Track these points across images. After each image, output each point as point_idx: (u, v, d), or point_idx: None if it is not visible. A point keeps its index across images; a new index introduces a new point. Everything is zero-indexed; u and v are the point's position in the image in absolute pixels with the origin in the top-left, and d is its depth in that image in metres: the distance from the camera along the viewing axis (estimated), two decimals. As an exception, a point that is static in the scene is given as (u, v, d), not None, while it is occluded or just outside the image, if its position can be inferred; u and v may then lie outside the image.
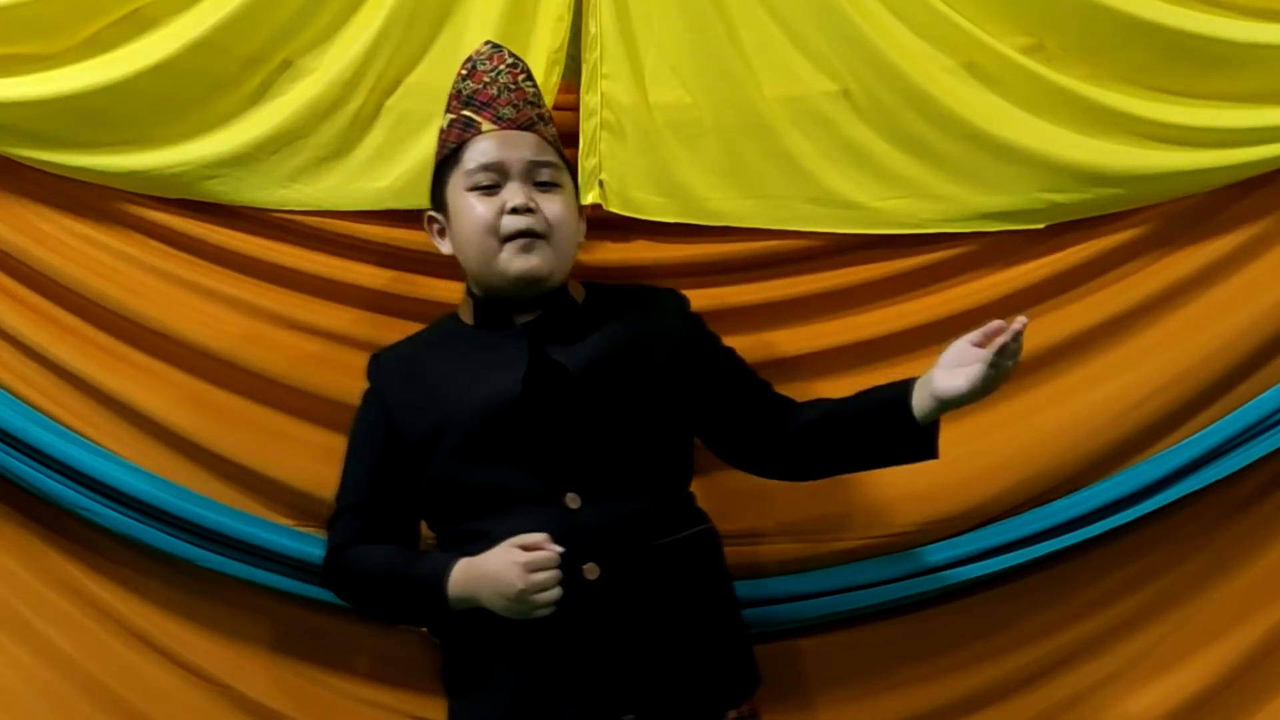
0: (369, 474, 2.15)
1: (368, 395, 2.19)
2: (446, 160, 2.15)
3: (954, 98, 2.34)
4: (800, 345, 2.39)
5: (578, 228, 2.17)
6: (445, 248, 2.18)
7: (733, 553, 2.18)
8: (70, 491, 2.34)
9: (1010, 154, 2.34)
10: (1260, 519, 2.40)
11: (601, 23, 2.35)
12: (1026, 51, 2.35)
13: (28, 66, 2.33)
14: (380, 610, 2.21)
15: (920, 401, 2.03)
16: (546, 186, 2.12)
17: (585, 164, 2.33)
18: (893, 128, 2.35)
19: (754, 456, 2.20)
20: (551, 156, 2.14)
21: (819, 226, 2.39)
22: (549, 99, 2.29)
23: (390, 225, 2.39)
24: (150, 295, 2.39)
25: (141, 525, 2.34)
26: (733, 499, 2.29)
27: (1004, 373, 1.97)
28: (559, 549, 1.95)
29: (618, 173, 2.34)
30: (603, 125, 2.34)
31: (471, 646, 2.06)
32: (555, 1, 2.35)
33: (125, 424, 2.38)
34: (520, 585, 1.94)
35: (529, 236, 2.08)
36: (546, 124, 2.17)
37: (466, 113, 2.13)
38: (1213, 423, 2.36)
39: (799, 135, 2.36)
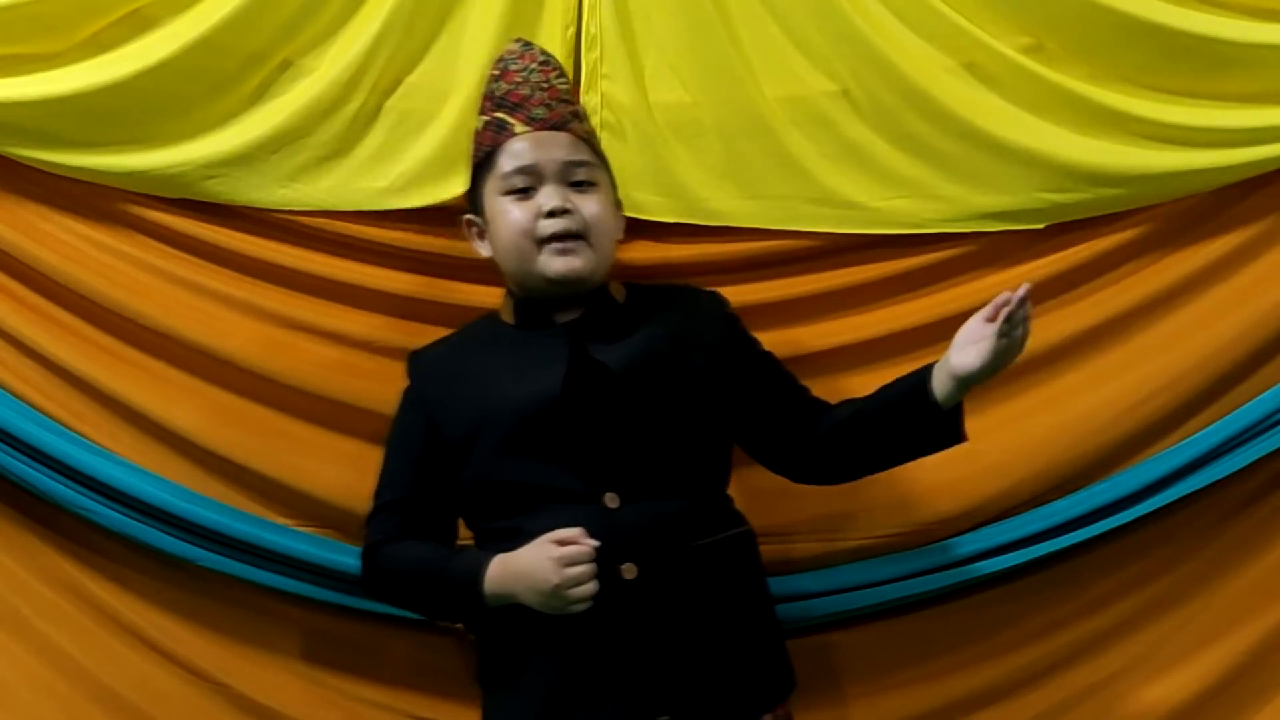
0: (408, 471, 2.15)
1: (407, 393, 2.18)
2: (481, 164, 2.14)
3: (954, 98, 2.34)
4: (801, 345, 2.38)
5: (616, 224, 2.17)
6: (484, 251, 2.18)
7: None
8: (69, 491, 2.34)
9: (1010, 154, 2.34)
10: (1260, 519, 2.41)
11: (601, 23, 2.35)
12: (1027, 51, 2.35)
13: (28, 66, 2.33)
14: (417, 607, 2.21)
15: (940, 384, 2.03)
16: (582, 186, 2.11)
17: (585, 164, 2.33)
18: (893, 128, 2.35)
19: (789, 459, 2.20)
20: (586, 155, 2.13)
21: (819, 226, 2.39)
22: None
23: (391, 226, 2.39)
24: (150, 295, 2.39)
25: (141, 525, 2.34)
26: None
27: (1016, 342, 1.98)
28: (594, 543, 1.95)
29: (618, 173, 2.33)
30: (603, 125, 2.34)
31: (508, 643, 2.06)
32: (557, 3, 2.35)
33: (124, 424, 2.38)
34: (555, 580, 1.94)
35: (567, 239, 2.08)
36: (581, 121, 2.16)
37: (499, 114, 2.13)
38: (1213, 423, 2.36)
39: (799, 135, 2.36)
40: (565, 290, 2.10)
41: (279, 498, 2.38)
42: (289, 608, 2.39)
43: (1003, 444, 2.36)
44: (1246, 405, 2.36)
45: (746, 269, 2.41)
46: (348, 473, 2.35)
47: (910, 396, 2.06)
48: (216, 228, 2.40)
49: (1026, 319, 1.98)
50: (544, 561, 1.96)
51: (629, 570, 2.00)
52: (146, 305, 2.38)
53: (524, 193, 2.10)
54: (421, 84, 2.37)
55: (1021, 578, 2.39)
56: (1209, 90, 2.34)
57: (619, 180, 2.24)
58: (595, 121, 2.33)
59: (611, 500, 2.03)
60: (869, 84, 2.34)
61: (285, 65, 2.37)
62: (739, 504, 2.17)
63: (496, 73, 2.16)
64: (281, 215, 2.39)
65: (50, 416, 2.36)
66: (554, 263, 2.08)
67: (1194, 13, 2.31)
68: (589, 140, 2.16)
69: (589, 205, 2.10)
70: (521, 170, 2.10)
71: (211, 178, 2.36)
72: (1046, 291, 2.40)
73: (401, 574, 2.12)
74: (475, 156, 2.16)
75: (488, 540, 2.10)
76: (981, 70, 2.35)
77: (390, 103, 2.37)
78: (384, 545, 2.13)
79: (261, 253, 2.40)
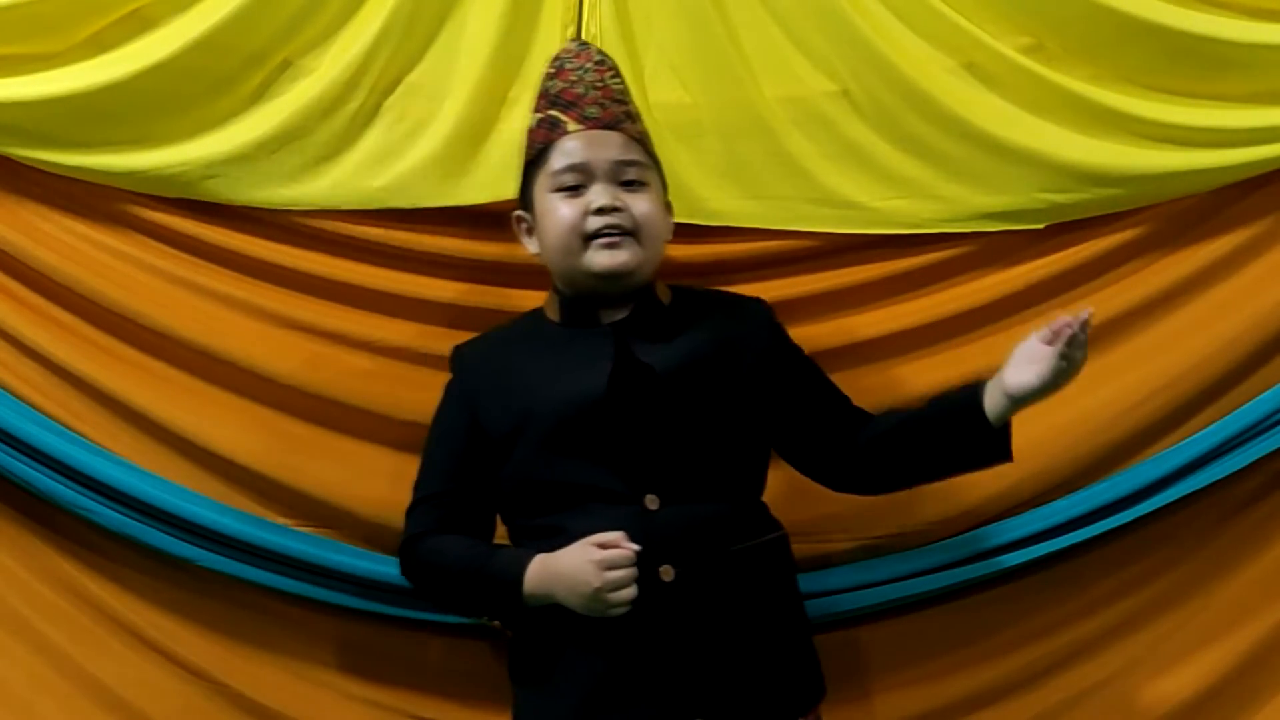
0: (449, 465, 2.14)
1: (450, 386, 2.18)
2: (533, 160, 2.14)
3: (954, 98, 2.34)
4: (801, 345, 2.38)
5: (665, 225, 2.16)
6: (532, 247, 2.17)
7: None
8: (69, 491, 2.34)
9: (1010, 154, 2.34)
10: (1260, 519, 2.41)
11: (601, 23, 2.35)
12: (1027, 51, 2.35)
13: (28, 66, 2.33)
14: (454, 601, 2.20)
15: (992, 402, 2.03)
16: (633, 185, 2.11)
17: (586, 164, 2.33)
18: (893, 128, 2.35)
19: (829, 467, 2.20)
20: (638, 155, 2.13)
21: (819, 226, 2.39)
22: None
23: (390, 226, 2.39)
24: (150, 295, 2.39)
25: (140, 524, 2.34)
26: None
27: (1074, 364, 1.98)
28: (635, 547, 1.95)
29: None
30: (603, 125, 2.34)
31: (544, 641, 2.06)
32: (557, 3, 2.35)
33: (124, 423, 2.38)
34: (596, 583, 1.95)
35: (615, 234, 2.07)
36: (634, 121, 2.16)
37: (553, 112, 2.12)
38: (1213, 423, 2.36)
39: (799, 135, 2.36)
40: (612, 287, 2.10)
41: (279, 498, 2.37)
42: (289, 608, 2.39)
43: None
44: (1246, 405, 2.36)
45: (746, 269, 2.41)
46: (348, 473, 2.36)
47: (962, 411, 2.06)
48: (216, 228, 2.39)
49: (1085, 342, 1.98)
50: (585, 564, 1.95)
51: (667, 572, 2.00)
52: (146, 305, 2.38)
53: (574, 190, 2.10)
54: (421, 84, 2.37)
55: (1021, 578, 2.39)
56: (1209, 90, 2.35)
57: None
58: (596, 121, 2.33)
59: (652, 502, 2.03)
60: (869, 84, 2.34)
61: (285, 65, 2.37)
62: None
63: (552, 71, 2.16)
64: (281, 215, 2.39)
65: (50, 416, 2.36)
66: (600, 257, 2.08)
67: (1194, 13, 2.31)
68: (641, 141, 2.15)
69: (639, 204, 2.10)
70: (572, 168, 2.10)
71: (211, 178, 2.36)
72: (1046, 291, 2.41)
73: (441, 568, 2.11)
74: (527, 153, 2.15)
75: (526, 538, 2.10)
76: (981, 70, 2.35)
77: (390, 102, 2.37)
78: (424, 538, 2.12)
79: (261, 253, 2.40)
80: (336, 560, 2.33)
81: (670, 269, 2.36)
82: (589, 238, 2.08)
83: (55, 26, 2.33)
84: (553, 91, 2.14)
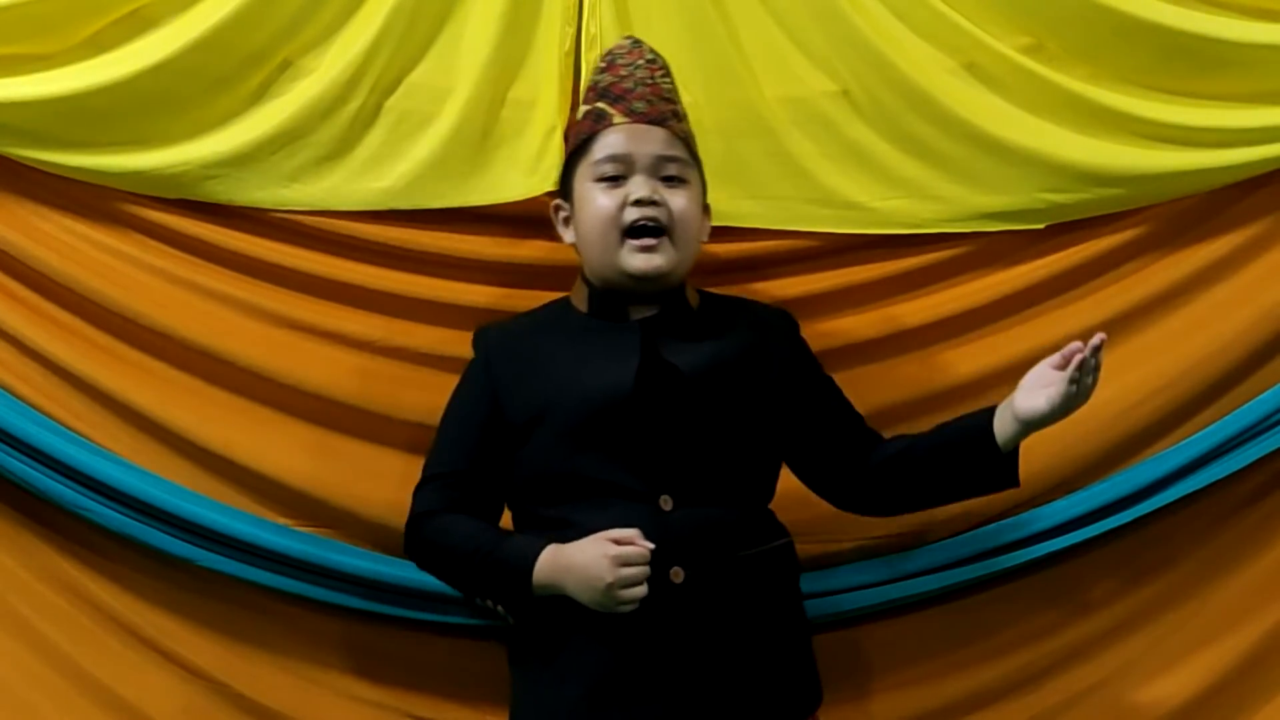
0: (464, 445, 2.14)
1: (473, 365, 2.18)
2: (576, 150, 2.14)
3: (954, 98, 2.34)
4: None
5: (701, 225, 2.17)
6: (568, 236, 2.17)
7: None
8: (68, 490, 2.33)
9: (1010, 154, 2.35)
10: (1260, 519, 2.41)
11: (601, 23, 2.35)
12: (1027, 52, 2.35)
13: (28, 66, 2.33)
14: (459, 583, 2.18)
15: (1002, 426, 2.05)
16: (673, 181, 2.11)
17: (586, 165, 2.33)
18: (893, 128, 2.36)
19: (838, 486, 2.21)
20: (680, 152, 2.13)
21: (819, 226, 2.39)
22: (558, 102, 2.31)
23: (391, 225, 2.39)
24: (150, 295, 2.38)
25: (139, 524, 2.34)
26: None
27: (1085, 390, 1.99)
28: (650, 545, 1.95)
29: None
30: (603, 125, 2.34)
31: (549, 632, 2.05)
32: (557, 3, 2.35)
33: (123, 423, 2.38)
34: (609, 579, 1.94)
35: (652, 233, 2.08)
36: (680, 120, 2.15)
37: (600, 105, 2.13)
38: (1213, 423, 2.37)
39: (799, 136, 2.37)
40: (644, 286, 2.10)
41: (279, 498, 2.37)
42: (289, 608, 2.38)
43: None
44: (1246, 405, 2.36)
45: (747, 269, 2.41)
46: (348, 473, 2.36)
47: (972, 437, 2.07)
48: (216, 228, 2.39)
49: (1097, 367, 1.98)
50: (599, 559, 1.95)
51: (677, 574, 2.00)
52: (146, 305, 2.37)
53: (614, 180, 2.10)
54: (421, 84, 2.37)
55: (1021, 578, 2.39)
56: (1209, 90, 2.35)
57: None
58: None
59: (666, 502, 2.03)
60: (869, 84, 2.34)
61: (285, 65, 2.37)
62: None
63: (603, 65, 2.17)
64: (281, 215, 2.38)
65: (50, 416, 2.35)
66: (635, 259, 2.08)
67: (1194, 13, 2.32)
68: (686, 140, 2.15)
69: (677, 200, 2.10)
70: (614, 158, 2.10)
71: (211, 178, 2.36)
72: (1046, 291, 2.41)
73: (448, 548, 2.10)
74: (571, 143, 2.16)
75: (535, 527, 2.09)
76: (982, 70, 2.36)
77: (390, 103, 2.37)
78: (433, 516, 2.11)
79: (261, 253, 2.40)
80: (337, 560, 2.33)
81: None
82: (625, 230, 2.08)
83: (54, 26, 2.33)
84: (601, 85, 2.15)
